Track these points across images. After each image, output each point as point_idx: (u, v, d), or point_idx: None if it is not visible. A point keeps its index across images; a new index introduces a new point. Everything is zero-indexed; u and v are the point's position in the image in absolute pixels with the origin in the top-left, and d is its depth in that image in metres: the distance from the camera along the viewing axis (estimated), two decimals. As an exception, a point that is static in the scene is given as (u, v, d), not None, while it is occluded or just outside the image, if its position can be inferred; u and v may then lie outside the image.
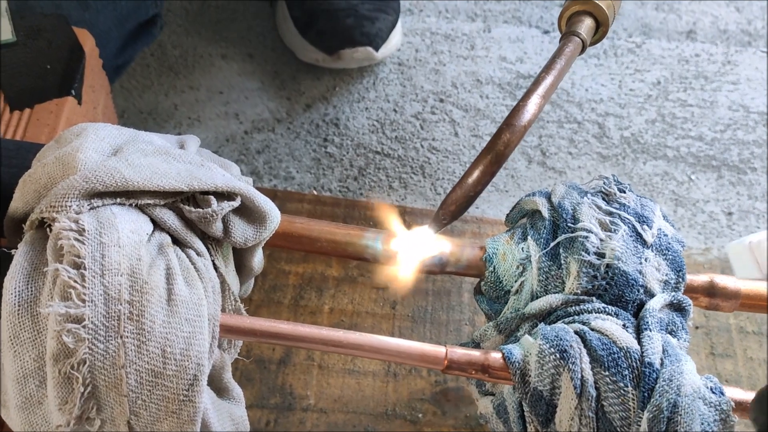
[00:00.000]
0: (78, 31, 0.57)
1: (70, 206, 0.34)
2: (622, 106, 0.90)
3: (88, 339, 0.31)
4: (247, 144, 0.80)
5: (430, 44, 0.93)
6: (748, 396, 0.41)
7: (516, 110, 0.41)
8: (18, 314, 0.32)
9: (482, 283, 0.48)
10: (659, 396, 0.36)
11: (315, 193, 0.76)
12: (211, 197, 0.37)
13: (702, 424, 0.37)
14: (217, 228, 0.38)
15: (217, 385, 0.39)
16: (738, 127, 0.89)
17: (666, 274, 0.44)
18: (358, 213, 0.73)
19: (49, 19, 0.57)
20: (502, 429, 0.44)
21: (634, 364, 0.38)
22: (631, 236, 0.44)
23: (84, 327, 0.31)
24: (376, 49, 0.82)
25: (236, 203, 0.38)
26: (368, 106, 0.85)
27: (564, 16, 0.47)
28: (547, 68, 0.42)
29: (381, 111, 0.85)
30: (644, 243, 0.44)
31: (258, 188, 0.77)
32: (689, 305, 0.44)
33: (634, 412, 0.37)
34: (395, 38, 0.86)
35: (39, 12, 0.58)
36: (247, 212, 0.40)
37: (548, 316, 0.43)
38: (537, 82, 0.41)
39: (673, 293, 0.43)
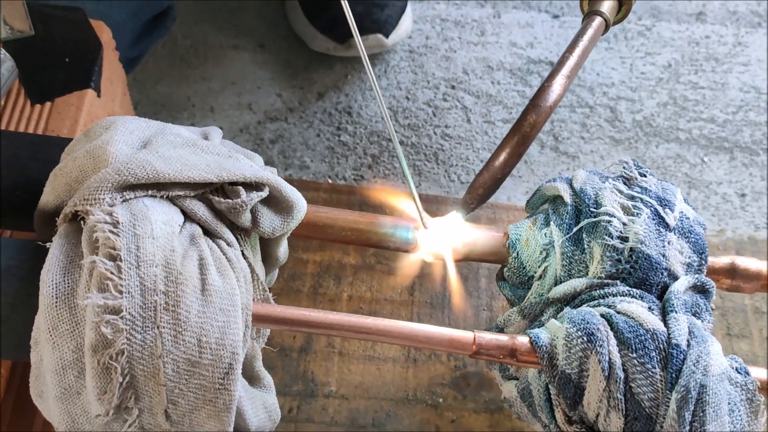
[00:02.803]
0: (95, 23, 0.57)
1: (103, 199, 0.34)
2: (634, 90, 0.89)
3: (126, 330, 0.32)
4: (261, 134, 0.80)
5: (441, 31, 0.92)
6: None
7: (541, 91, 0.41)
8: (56, 306, 0.32)
9: (505, 269, 0.48)
10: (687, 377, 0.36)
11: (330, 181, 0.77)
12: (240, 188, 0.38)
13: (729, 403, 0.38)
14: (246, 218, 0.38)
15: (249, 374, 0.39)
16: (750, 109, 0.89)
17: (689, 257, 0.44)
18: (373, 201, 0.73)
19: (65, 11, 0.57)
20: (527, 412, 0.45)
21: (661, 345, 0.38)
22: (653, 220, 0.44)
23: (122, 318, 0.32)
24: (386, 35, 0.82)
25: (264, 193, 0.39)
26: (378, 104, 0.85)
27: (584, -2, 0.47)
28: (570, 48, 0.42)
29: (393, 98, 0.85)
30: (667, 226, 0.44)
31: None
32: (712, 287, 0.44)
33: (662, 393, 0.37)
34: (405, 24, 0.86)
35: (55, 5, 0.58)
36: (275, 202, 0.40)
37: (573, 300, 0.44)
38: (561, 62, 0.42)
39: (696, 275, 0.43)
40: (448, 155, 0.81)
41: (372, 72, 0.44)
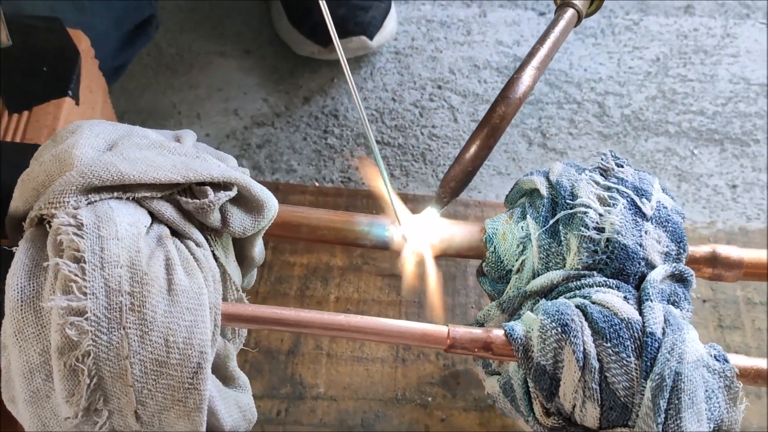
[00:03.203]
0: (72, 32, 0.57)
1: (68, 202, 0.34)
2: (622, 84, 0.89)
3: (91, 331, 0.32)
4: (248, 139, 0.80)
5: (426, 32, 0.93)
6: (753, 363, 0.41)
7: (511, 83, 0.41)
8: (21, 310, 0.32)
9: (484, 264, 0.48)
10: (661, 365, 0.36)
11: (317, 184, 0.76)
12: (208, 188, 0.38)
13: (706, 391, 0.37)
14: (215, 218, 0.38)
15: (222, 374, 0.39)
16: (739, 100, 0.88)
17: (667, 246, 0.44)
18: (360, 202, 0.73)
19: (43, 21, 0.57)
20: (510, 407, 0.44)
21: (636, 334, 0.38)
22: (630, 210, 0.44)
23: (86, 319, 0.32)
24: (371, 37, 0.82)
25: (233, 193, 0.38)
26: (366, 96, 0.85)
27: (556, -9, 0.47)
28: (541, 39, 0.42)
29: (379, 100, 0.85)
30: (643, 216, 0.44)
31: (260, 182, 0.77)
32: (691, 275, 0.44)
33: (637, 381, 0.37)
34: (389, 26, 0.86)
35: (33, 15, 0.58)
36: (245, 202, 0.40)
37: (550, 292, 0.43)
38: (531, 54, 0.42)
39: (674, 264, 0.43)
40: (435, 155, 0.81)
41: (347, 67, 0.44)
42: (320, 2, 0.51)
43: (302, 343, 0.63)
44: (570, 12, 0.44)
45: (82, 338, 0.32)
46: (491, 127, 0.41)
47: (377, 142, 0.80)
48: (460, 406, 0.61)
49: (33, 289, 0.33)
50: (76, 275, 0.32)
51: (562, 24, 0.44)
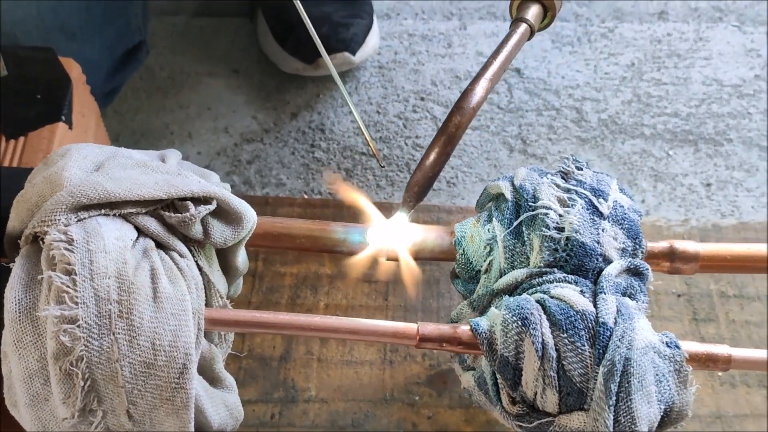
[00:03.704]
0: (64, 60, 0.61)
1: (59, 220, 0.37)
2: (598, 90, 0.92)
3: (83, 337, 0.35)
4: (238, 155, 0.83)
5: (409, 45, 0.96)
6: (704, 348, 0.44)
7: (465, 94, 0.44)
8: (19, 320, 0.36)
9: (455, 266, 0.51)
10: (612, 351, 0.39)
11: (305, 197, 0.80)
12: (189, 203, 0.41)
13: (657, 375, 0.40)
14: (196, 230, 0.41)
15: (209, 375, 0.42)
16: (712, 101, 0.91)
17: (623, 242, 0.47)
18: (346, 213, 0.76)
19: (36, 51, 0.60)
20: (484, 400, 0.47)
21: (590, 324, 0.40)
22: (587, 209, 0.47)
23: (78, 326, 0.35)
24: (353, 53, 0.85)
25: (212, 206, 0.41)
26: (350, 110, 0.88)
27: (513, 5, 0.50)
28: (494, 54, 0.45)
29: (364, 113, 0.88)
30: (601, 215, 0.47)
31: (251, 196, 0.81)
32: (647, 269, 0.47)
33: (591, 368, 0.40)
34: (372, 41, 0.89)
35: (27, 46, 0.61)
36: (224, 214, 0.43)
37: (516, 289, 0.46)
38: (485, 66, 0.45)
39: (630, 259, 0.46)
40: (419, 164, 0.84)
41: (339, 78, 0.48)
42: (305, 21, 0.54)
43: (294, 348, 0.66)
44: (523, 27, 0.47)
45: (75, 344, 0.35)
46: (448, 136, 0.44)
47: (363, 154, 0.84)
48: (446, 404, 0.64)
49: (30, 301, 0.36)
50: (67, 286, 0.35)
51: (515, 38, 0.47)
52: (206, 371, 0.42)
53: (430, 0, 1.01)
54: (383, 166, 0.49)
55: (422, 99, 0.90)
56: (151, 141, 0.83)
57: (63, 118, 0.57)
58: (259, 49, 0.92)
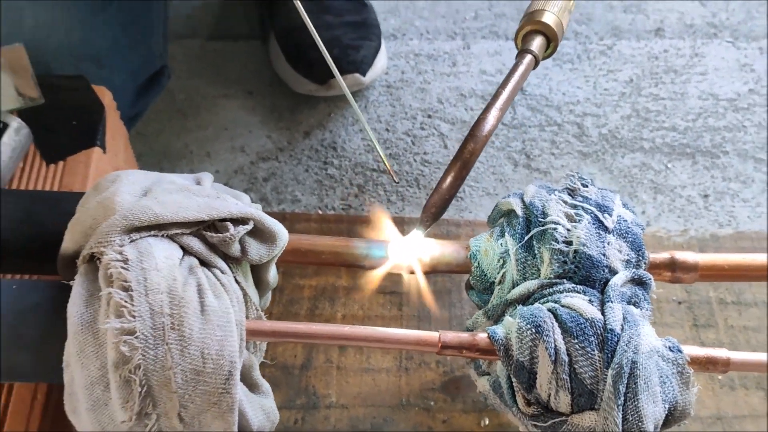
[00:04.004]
0: (97, 88, 0.64)
1: (114, 241, 0.41)
2: (598, 106, 0.96)
3: (140, 347, 0.38)
4: (255, 173, 0.87)
5: (415, 65, 1.00)
6: (704, 351, 0.47)
7: (478, 123, 0.48)
8: (82, 332, 0.39)
9: (470, 278, 0.55)
10: (620, 356, 0.43)
11: (320, 212, 0.83)
12: (228, 223, 0.44)
13: (661, 376, 0.44)
14: (235, 249, 0.45)
15: (248, 382, 0.46)
16: (708, 115, 0.95)
17: (627, 254, 0.51)
18: (359, 227, 0.80)
19: (70, 80, 0.64)
20: (499, 402, 0.51)
21: (599, 331, 0.44)
22: (593, 224, 0.51)
23: (136, 338, 0.38)
24: (363, 74, 0.89)
25: (249, 226, 0.45)
26: (362, 127, 0.92)
27: (519, 36, 0.54)
28: (503, 84, 0.49)
29: (374, 131, 0.92)
30: (606, 229, 0.51)
31: (267, 212, 0.84)
32: (650, 279, 0.50)
33: (600, 371, 0.43)
34: (380, 62, 0.93)
35: (62, 74, 0.65)
36: (260, 233, 0.47)
37: (528, 299, 0.50)
38: (495, 96, 0.48)
39: (634, 270, 0.50)
40: (428, 180, 0.88)
41: (352, 97, 0.52)
42: (318, 43, 0.58)
43: (314, 357, 0.69)
44: (528, 58, 0.51)
45: (134, 353, 0.38)
46: (462, 161, 0.47)
47: (374, 170, 0.87)
48: (460, 409, 0.67)
49: (90, 315, 0.39)
50: (125, 302, 0.39)
51: (521, 69, 0.50)
52: (246, 378, 0.45)
53: (435, 21, 1.05)
54: (397, 182, 0.53)
55: (429, 116, 0.94)
56: (173, 161, 0.87)
57: (98, 142, 0.61)
58: (272, 71, 0.96)
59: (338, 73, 0.57)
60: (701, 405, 0.68)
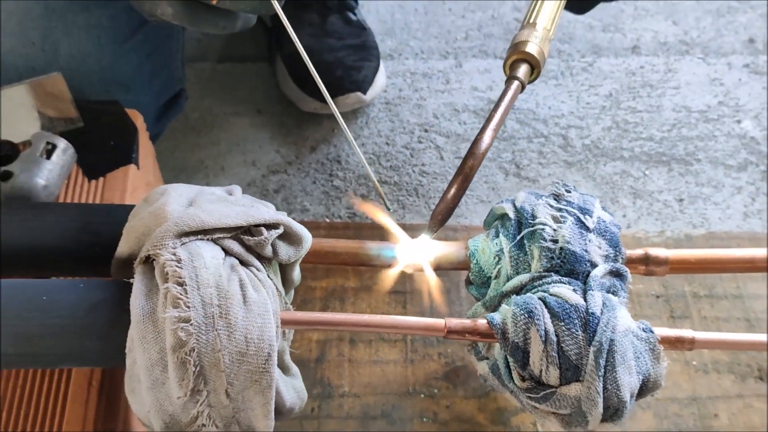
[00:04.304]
0: (130, 111, 0.71)
1: (167, 244, 0.48)
2: (581, 118, 1.04)
3: (194, 333, 0.45)
4: (266, 186, 0.94)
5: (411, 83, 1.07)
6: (673, 332, 0.54)
7: (476, 142, 0.55)
8: (143, 321, 0.46)
9: (470, 274, 0.62)
10: (600, 335, 0.50)
11: (328, 221, 0.90)
12: (262, 228, 0.51)
13: (635, 352, 0.51)
14: (268, 250, 0.52)
15: (281, 365, 0.53)
16: (682, 126, 1.03)
17: (606, 250, 0.58)
18: (365, 233, 0.87)
19: (106, 105, 0.71)
20: (497, 384, 0.58)
21: (582, 315, 0.51)
22: (576, 224, 0.58)
23: (191, 325, 0.45)
24: (364, 92, 0.97)
25: (280, 231, 0.52)
26: (364, 142, 0.99)
27: (506, 64, 0.62)
28: (495, 107, 0.57)
29: (375, 145, 0.99)
30: (587, 228, 0.58)
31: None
32: (626, 271, 0.57)
33: (584, 348, 0.50)
34: (380, 81, 1.01)
35: (97, 100, 0.72)
36: (288, 237, 0.54)
37: (521, 290, 0.57)
38: (489, 119, 0.56)
39: (611, 264, 0.57)
40: (426, 189, 0.95)
41: (341, 117, 0.58)
42: (311, 68, 0.64)
43: (327, 351, 0.76)
44: (515, 83, 0.59)
45: (189, 338, 0.45)
46: (464, 176, 0.55)
47: (376, 181, 0.95)
48: (461, 395, 0.75)
49: (150, 307, 0.46)
50: (181, 294, 0.46)
51: (510, 93, 0.58)
52: (279, 361, 0.52)
53: (428, 41, 1.13)
54: (390, 210, 0.60)
55: (426, 131, 1.02)
56: (189, 175, 0.94)
57: (133, 160, 0.68)
58: (279, 90, 1.03)
59: (327, 92, 0.62)
60: (678, 388, 0.75)
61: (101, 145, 0.68)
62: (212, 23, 0.57)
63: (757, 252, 0.60)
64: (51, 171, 0.62)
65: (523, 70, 0.59)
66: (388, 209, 0.60)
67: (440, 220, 0.57)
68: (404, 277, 0.81)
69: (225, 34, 1.11)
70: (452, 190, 0.55)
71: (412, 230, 0.89)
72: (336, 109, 0.63)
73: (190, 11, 0.55)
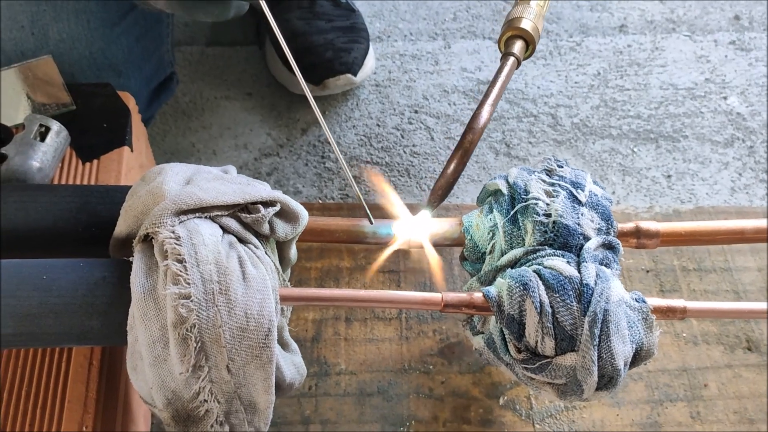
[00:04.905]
0: (122, 94, 0.71)
1: (166, 222, 0.48)
2: (570, 97, 1.05)
3: (195, 309, 0.46)
4: (258, 168, 0.94)
5: (401, 65, 1.08)
6: (665, 302, 0.55)
7: (474, 117, 0.56)
8: (144, 299, 0.46)
9: (464, 250, 0.63)
10: (594, 305, 0.51)
11: (320, 202, 0.91)
12: (260, 206, 0.52)
13: (628, 322, 0.52)
14: (265, 228, 0.53)
15: (280, 341, 0.53)
16: (669, 103, 1.04)
17: (599, 224, 0.59)
18: (358, 213, 0.88)
19: (97, 87, 0.71)
20: (493, 357, 0.59)
21: (576, 286, 0.52)
22: (569, 199, 0.59)
23: (191, 301, 0.46)
24: (354, 74, 0.97)
25: (277, 208, 0.53)
26: (355, 124, 1.00)
27: (502, 40, 0.62)
28: (492, 83, 0.57)
29: (366, 127, 1.00)
30: (580, 202, 0.59)
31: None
32: (618, 244, 0.58)
33: (579, 319, 0.51)
34: (369, 63, 1.01)
35: (89, 83, 0.72)
36: (285, 214, 0.54)
37: (515, 264, 0.58)
38: (486, 94, 0.56)
39: (604, 236, 0.58)
40: (417, 170, 0.96)
41: (315, 104, 0.58)
42: (289, 56, 0.64)
43: (323, 331, 0.77)
44: (511, 59, 0.59)
45: (190, 315, 0.46)
46: (463, 150, 0.55)
47: (368, 162, 0.95)
48: (456, 371, 0.76)
49: (150, 284, 0.47)
50: (181, 272, 0.46)
51: (506, 69, 0.58)
52: (278, 338, 0.53)
53: (417, 23, 1.13)
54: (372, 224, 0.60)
55: (416, 112, 1.02)
56: (181, 159, 0.94)
57: (127, 142, 0.68)
58: (269, 73, 1.03)
59: (302, 77, 0.61)
60: (668, 359, 0.76)
61: (94, 128, 0.68)
62: (206, 11, 0.58)
63: (747, 223, 0.62)
64: (45, 153, 0.62)
65: (518, 46, 0.60)
66: (371, 223, 0.59)
67: (440, 195, 0.57)
68: (398, 256, 0.82)
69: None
70: (452, 165, 0.56)
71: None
72: (312, 98, 0.62)
73: (185, 0, 0.56)
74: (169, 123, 0.98)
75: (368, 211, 0.59)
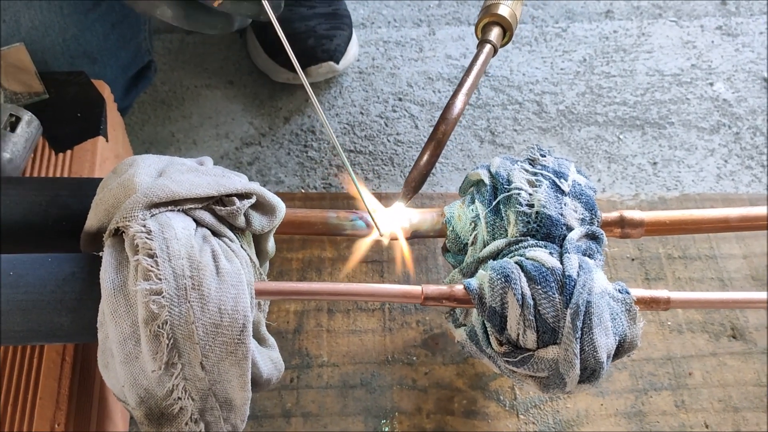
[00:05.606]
0: (96, 82, 0.70)
1: (137, 216, 0.47)
2: (556, 84, 1.04)
3: (167, 305, 0.44)
4: (240, 158, 0.93)
5: (384, 52, 1.06)
6: (649, 293, 0.55)
7: (448, 107, 0.54)
8: (114, 295, 0.45)
9: (446, 241, 0.62)
10: (576, 297, 0.50)
11: (303, 191, 0.90)
12: (235, 198, 0.50)
13: (612, 314, 0.51)
14: (241, 221, 0.51)
15: (257, 337, 0.52)
16: (655, 90, 1.03)
17: (582, 214, 0.58)
18: (341, 203, 0.87)
19: (71, 76, 0.70)
20: (475, 350, 0.58)
21: (558, 278, 0.51)
22: (552, 188, 0.58)
23: (163, 297, 0.44)
24: (337, 62, 0.96)
25: (253, 200, 0.51)
26: (338, 112, 0.98)
27: (478, 27, 0.61)
28: (467, 71, 0.56)
29: (349, 115, 0.98)
30: (563, 192, 0.58)
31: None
32: (602, 234, 0.58)
33: (561, 311, 0.50)
34: (352, 50, 1.00)
35: (62, 71, 0.70)
36: (261, 207, 0.53)
37: (497, 256, 0.57)
38: (461, 84, 0.55)
39: (588, 227, 0.57)
40: (401, 158, 0.94)
41: (310, 88, 0.57)
42: (283, 40, 0.63)
43: (305, 322, 0.76)
44: (488, 47, 0.58)
45: (161, 311, 0.44)
46: (436, 141, 0.54)
47: (351, 151, 0.94)
48: (440, 362, 0.75)
49: (120, 280, 0.45)
50: (152, 267, 0.45)
51: (482, 57, 0.57)
52: (255, 333, 0.52)
53: (401, 9, 1.12)
54: (382, 235, 0.58)
55: (400, 99, 1.01)
56: (160, 149, 0.92)
57: (101, 132, 0.66)
58: (250, 61, 1.02)
59: (297, 64, 0.61)
60: (653, 348, 0.76)
61: (68, 117, 0.67)
62: (210, 25, 0.58)
63: (731, 211, 0.61)
64: (15, 144, 0.60)
65: (495, 33, 0.58)
66: (381, 235, 0.58)
67: (413, 188, 0.56)
68: (381, 246, 0.81)
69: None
70: (425, 157, 0.54)
71: (387, 199, 0.88)
72: (308, 84, 0.61)
73: (190, 13, 0.56)
74: (148, 112, 0.96)
75: (372, 207, 0.58)
